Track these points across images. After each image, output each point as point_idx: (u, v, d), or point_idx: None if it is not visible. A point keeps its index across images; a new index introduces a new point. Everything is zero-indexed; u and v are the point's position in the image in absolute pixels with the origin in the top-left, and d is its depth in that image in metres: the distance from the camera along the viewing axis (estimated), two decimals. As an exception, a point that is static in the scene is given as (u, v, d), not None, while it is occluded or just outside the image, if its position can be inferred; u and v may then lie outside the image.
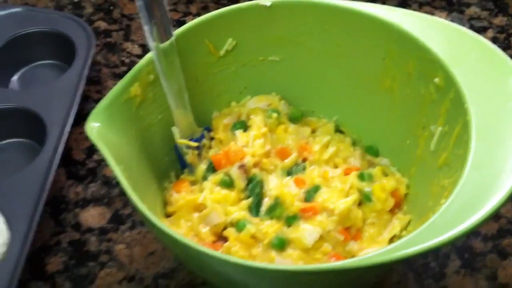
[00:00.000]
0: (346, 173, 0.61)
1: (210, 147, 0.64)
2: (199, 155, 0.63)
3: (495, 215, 0.64)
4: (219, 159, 0.61)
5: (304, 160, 0.63)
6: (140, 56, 0.81)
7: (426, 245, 0.44)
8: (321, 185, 0.60)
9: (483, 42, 0.57)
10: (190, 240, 0.49)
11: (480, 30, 0.85)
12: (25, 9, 0.82)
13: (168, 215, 0.60)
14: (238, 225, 0.57)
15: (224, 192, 0.59)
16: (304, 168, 0.62)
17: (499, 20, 0.87)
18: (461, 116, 0.52)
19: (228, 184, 0.59)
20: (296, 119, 0.66)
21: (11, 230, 0.59)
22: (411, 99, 0.59)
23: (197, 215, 0.59)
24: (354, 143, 0.65)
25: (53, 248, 0.63)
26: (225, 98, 0.66)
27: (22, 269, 0.57)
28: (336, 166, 0.63)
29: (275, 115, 0.64)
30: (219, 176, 0.60)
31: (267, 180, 0.60)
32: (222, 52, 0.63)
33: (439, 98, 0.56)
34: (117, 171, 0.50)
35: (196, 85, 0.63)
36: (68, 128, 0.67)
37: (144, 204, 0.49)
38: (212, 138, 0.64)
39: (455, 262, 0.62)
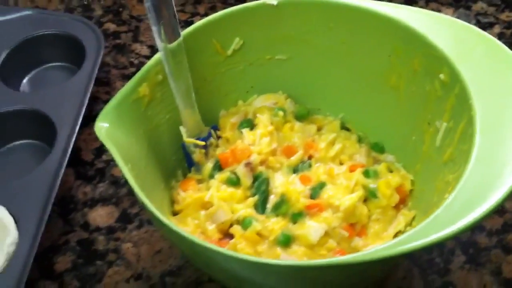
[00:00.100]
0: (352, 170, 0.61)
1: (217, 146, 0.64)
2: (206, 153, 0.63)
3: (500, 210, 0.64)
4: (226, 158, 0.62)
5: (310, 157, 0.63)
6: (148, 57, 0.81)
7: (429, 239, 0.44)
8: (327, 182, 0.60)
9: (489, 38, 0.57)
10: (197, 238, 0.50)
11: (487, 26, 0.85)
12: (35, 12, 0.82)
13: (175, 213, 0.60)
14: (244, 223, 0.57)
15: (231, 190, 0.59)
16: (309, 166, 0.62)
17: (506, 15, 0.86)
18: (466, 112, 0.52)
19: (234, 182, 0.60)
20: (302, 117, 0.66)
21: (20, 230, 0.60)
22: (417, 95, 0.59)
23: (203, 213, 0.59)
24: (360, 140, 0.65)
25: (61, 248, 0.64)
26: (232, 97, 0.66)
27: (30, 268, 0.57)
28: (341, 163, 0.63)
29: (281, 113, 0.64)
30: (225, 174, 0.61)
31: (273, 178, 0.61)
32: (229, 52, 0.64)
33: (445, 94, 0.56)
34: (125, 170, 0.50)
35: (203, 85, 0.63)
36: (77, 129, 0.68)
37: (151, 203, 0.49)
38: (219, 137, 0.65)
39: (460, 258, 0.61)
